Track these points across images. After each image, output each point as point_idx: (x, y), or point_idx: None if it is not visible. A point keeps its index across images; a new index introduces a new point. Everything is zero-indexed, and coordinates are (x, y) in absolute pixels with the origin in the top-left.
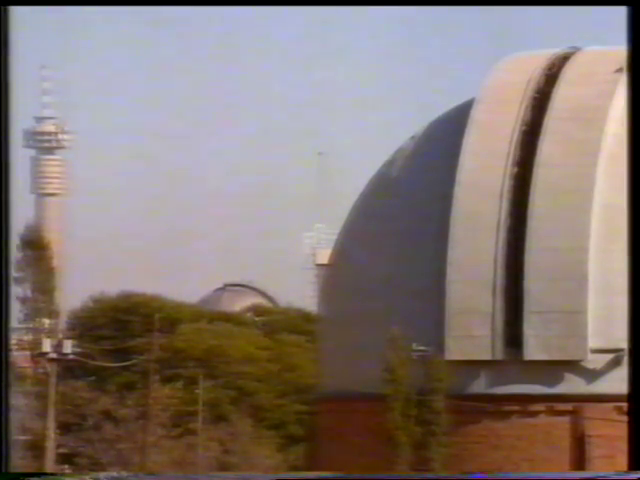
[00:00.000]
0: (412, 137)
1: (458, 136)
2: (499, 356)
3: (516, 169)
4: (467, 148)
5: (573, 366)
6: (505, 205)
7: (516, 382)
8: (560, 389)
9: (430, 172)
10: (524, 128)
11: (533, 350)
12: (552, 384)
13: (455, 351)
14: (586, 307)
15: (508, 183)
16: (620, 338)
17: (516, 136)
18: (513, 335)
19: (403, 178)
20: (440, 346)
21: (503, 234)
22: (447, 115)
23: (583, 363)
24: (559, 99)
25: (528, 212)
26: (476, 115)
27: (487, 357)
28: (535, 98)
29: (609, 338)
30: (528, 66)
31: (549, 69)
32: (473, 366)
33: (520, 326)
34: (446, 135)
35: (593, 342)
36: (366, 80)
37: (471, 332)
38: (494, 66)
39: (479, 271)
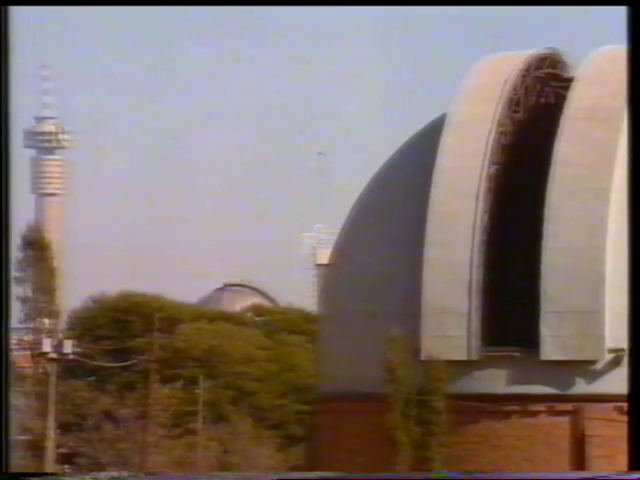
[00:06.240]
0: (411, 137)
1: None
2: (474, 356)
3: (493, 169)
4: (444, 148)
5: (573, 366)
6: (481, 205)
7: (517, 383)
8: (560, 389)
9: (429, 172)
10: (501, 129)
11: (550, 350)
12: (553, 384)
13: (431, 351)
14: (603, 307)
15: (484, 184)
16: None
17: (492, 136)
18: (528, 335)
19: (402, 178)
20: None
21: (479, 234)
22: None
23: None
24: (575, 99)
25: (545, 212)
26: (453, 116)
27: (462, 357)
28: (512, 99)
29: (623, 338)
30: (504, 67)
31: (526, 70)
32: (470, 366)
33: (537, 326)
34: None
35: (609, 342)
36: (367, 79)
37: (447, 332)
38: (471, 67)
39: (455, 271)
